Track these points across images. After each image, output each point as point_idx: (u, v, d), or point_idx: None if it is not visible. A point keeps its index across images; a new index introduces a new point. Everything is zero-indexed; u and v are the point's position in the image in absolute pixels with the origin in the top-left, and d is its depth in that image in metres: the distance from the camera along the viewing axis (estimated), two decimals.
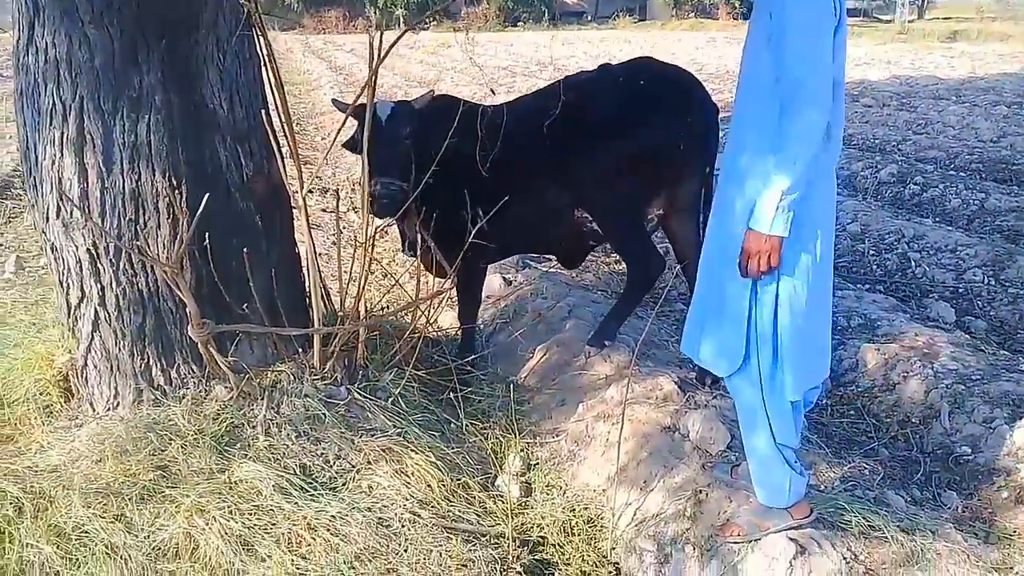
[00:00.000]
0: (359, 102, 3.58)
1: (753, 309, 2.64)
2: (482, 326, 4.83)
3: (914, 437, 3.91)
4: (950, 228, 6.65)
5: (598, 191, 3.97)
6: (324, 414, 3.09)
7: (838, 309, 5.00)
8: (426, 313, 4.08)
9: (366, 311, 3.55)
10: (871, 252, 6.33)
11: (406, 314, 4.00)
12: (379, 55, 3.20)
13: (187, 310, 2.86)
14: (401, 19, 47.94)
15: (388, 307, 4.44)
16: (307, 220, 3.18)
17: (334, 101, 3.95)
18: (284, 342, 3.34)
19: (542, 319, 4.60)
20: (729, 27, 41.04)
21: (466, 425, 3.60)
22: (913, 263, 6.00)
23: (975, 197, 7.45)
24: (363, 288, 3.44)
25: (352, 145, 3.81)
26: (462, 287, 4.28)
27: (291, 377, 3.20)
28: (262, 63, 3.35)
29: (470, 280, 4.29)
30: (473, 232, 3.59)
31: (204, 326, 2.82)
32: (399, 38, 3.24)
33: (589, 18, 52.58)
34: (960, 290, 5.57)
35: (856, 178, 8.65)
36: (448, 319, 4.91)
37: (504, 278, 5.45)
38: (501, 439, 3.58)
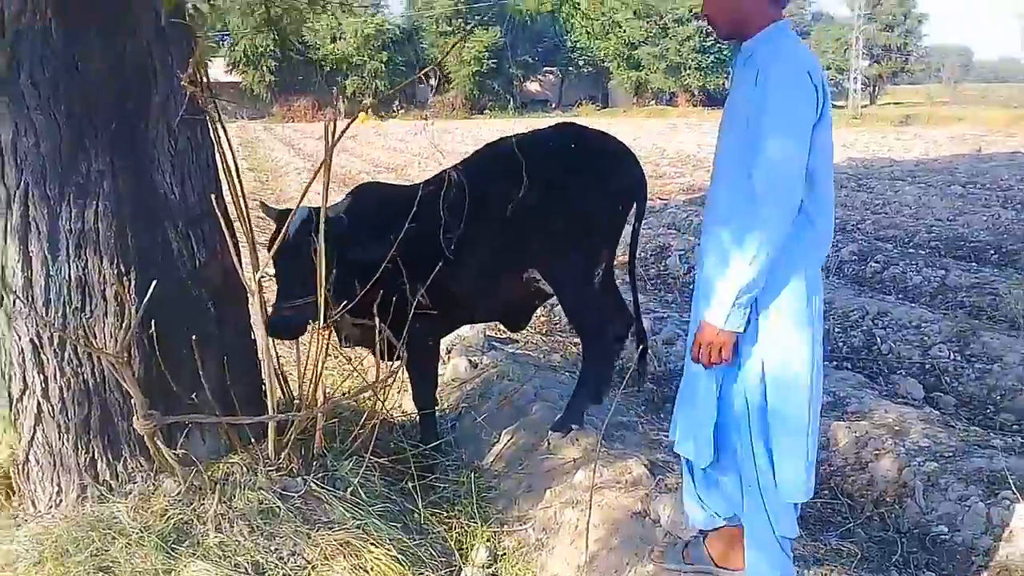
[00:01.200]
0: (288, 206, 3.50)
1: (719, 400, 2.57)
2: (447, 410, 4.72)
3: (889, 517, 3.82)
4: (913, 304, 6.69)
5: (546, 251, 3.89)
6: (279, 507, 2.94)
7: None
8: (384, 396, 3.96)
9: (324, 397, 3.43)
10: (836, 329, 6.33)
11: (366, 398, 3.88)
12: (333, 141, 3.16)
13: (133, 401, 2.73)
14: (369, 108, 48.89)
15: (347, 392, 4.31)
16: (261, 304, 3.08)
17: (262, 205, 3.77)
18: (237, 432, 3.21)
19: (508, 402, 4.50)
20: (689, 113, 42.12)
21: (429, 515, 3.45)
22: (879, 339, 6.00)
23: (935, 274, 7.52)
24: (320, 373, 3.33)
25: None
26: (415, 368, 4.14)
27: (244, 469, 3.05)
28: (215, 147, 3.29)
29: (423, 359, 4.15)
30: (413, 308, 3.55)
31: (150, 418, 2.69)
32: (350, 124, 3.20)
33: (553, 105, 53.75)
34: (927, 366, 5.55)
35: None
36: (410, 402, 4.79)
37: (470, 360, 5.35)
38: (466, 528, 3.43)
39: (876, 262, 8.14)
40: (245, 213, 3.13)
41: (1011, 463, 3.85)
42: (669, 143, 25.12)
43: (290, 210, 3.46)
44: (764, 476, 2.58)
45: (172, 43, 3.14)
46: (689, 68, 46.92)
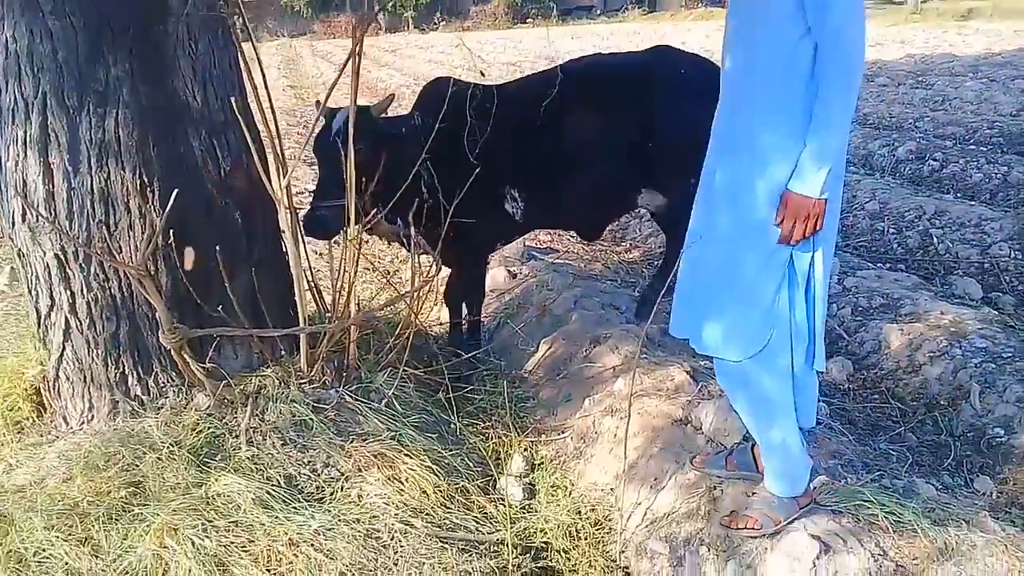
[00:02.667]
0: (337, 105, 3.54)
1: (782, 285, 2.44)
2: (485, 320, 4.65)
3: (943, 420, 3.69)
4: (972, 203, 6.38)
5: (666, 174, 3.96)
6: (311, 419, 2.90)
7: (859, 289, 4.78)
8: (418, 307, 3.89)
9: (357, 308, 3.37)
10: (891, 230, 6.09)
11: (401, 309, 3.82)
12: (357, 42, 3.04)
13: (158, 315, 2.68)
14: (410, 21, 48.06)
15: (382, 303, 4.26)
16: (291, 213, 2.99)
17: (317, 103, 3.72)
18: (270, 345, 3.17)
19: (546, 312, 4.41)
20: None
21: (465, 425, 3.41)
22: (935, 240, 5.75)
23: (997, 171, 7.16)
24: (352, 284, 3.25)
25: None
26: (474, 274, 4.18)
27: (277, 382, 3.01)
28: (238, 50, 3.17)
29: (480, 267, 4.24)
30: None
31: (177, 332, 2.64)
32: (361, 35, 3.04)
33: (599, 12, 52.22)
34: (986, 265, 5.31)
35: (873, 157, 8.39)
36: (446, 314, 4.73)
37: (508, 270, 5.25)
38: (503, 438, 3.38)
39: (934, 160, 7.79)
40: (273, 120, 3.01)
41: None
42: (717, 45, 24.28)
43: (340, 108, 3.48)
44: (801, 357, 2.50)
45: None
46: None
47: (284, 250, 3.44)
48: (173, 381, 3.04)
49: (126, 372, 3.01)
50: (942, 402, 3.78)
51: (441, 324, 4.59)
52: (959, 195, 6.97)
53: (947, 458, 3.44)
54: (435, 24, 48.37)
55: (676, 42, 26.82)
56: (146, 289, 2.59)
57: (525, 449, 3.36)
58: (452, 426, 3.35)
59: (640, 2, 50.95)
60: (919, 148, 8.16)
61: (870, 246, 6.03)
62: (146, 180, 2.89)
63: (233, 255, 3.07)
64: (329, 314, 3.35)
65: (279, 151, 3.07)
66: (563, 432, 3.39)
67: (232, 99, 3.04)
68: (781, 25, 2.30)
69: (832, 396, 4.00)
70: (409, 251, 3.96)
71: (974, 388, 3.69)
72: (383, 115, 3.71)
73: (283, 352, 3.22)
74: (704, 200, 2.58)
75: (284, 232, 3.02)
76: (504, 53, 25.63)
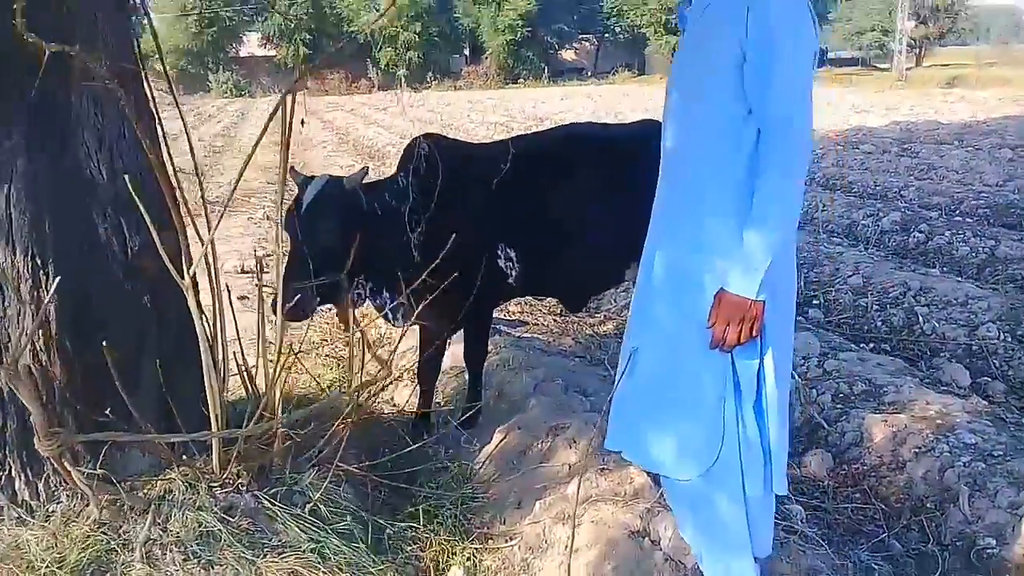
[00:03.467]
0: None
1: (726, 394, 2.17)
2: (440, 403, 4.34)
3: (930, 526, 3.37)
4: (960, 279, 6.15)
5: None
6: (219, 530, 2.58)
7: (840, 373, 4.49)
8: (373, 393, 3.60)
9: (281, 402, 3.05)
10: (875, 307, 5.83)
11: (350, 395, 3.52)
12: (289, 114, 2.79)
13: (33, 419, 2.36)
14: (403, 80, 48.46)
15: (330, 387, 3.96)
16: (197, 301, 2.69)
17: (291, 170, 3.41)
18: (182, 444, 2.85)
19: (502, 397, 4.10)
20: None
21: (404, 530, 3.07)
22: (921, 319, 5.49)
23: (984, 244, 6.95)
24: (278, 374, 2.95)
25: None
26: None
27: (184, 485, 2.69)
28: (154, 119, 2.91)
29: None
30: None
31: (55, 437, 2.33)
32: (285, 95, 2.79)
33: (589, 74, 52.86)
34: (974, 348, 5.05)
35: (857, 227, 8.19)
36: (403, 397, 4.43)
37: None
38: (445, 545, 3.05)
39: (920, 232, 7.59)
40: (170, 191, 2.72)
41: None
42: None
43: (314, 177, 3.33)
44: (755, 476, 2.21)
45: None
46: None
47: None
48: (66, 484, 2.71)
49: (12, 475, 2.68)
50: (928, 505, 3.47)
51: (397, 409, 4.29)
52: (945, 269, 6.75)
53: (935, 572, 3.13)
54: (427, 83, 48.87)
55: (660, 103, 27.01)
56: (17, 389, 2.27)
57: (468, 558, 3.02)
58: (390, 531, 3.01)
59: (630, 65, 51.60)
60: (904, 219, 7.97)
61: (853, 323, 5.76)
62: (39, 262, 2.59)
63: (142, 343, 2.78)
64: (260, 400, 3.03)
65: (182, 227, 2.78)
66: (511, 539, 3.06)
67: (139, 173, 2.75)
68: (722, 103, 2.09)
69: (811, 494, 3.69)
70: (394, 325, 3.77)
71: (963, 491, 3.39)
72: (362, 184, 3.48)
73: (195, 452, 2.89)
74: (643, 292, 2.32)
75: (195, 317, 2.70)
76: (493, 113, 25.68)
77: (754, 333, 2.07)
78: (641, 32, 50.26)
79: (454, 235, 3.38)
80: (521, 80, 49.25)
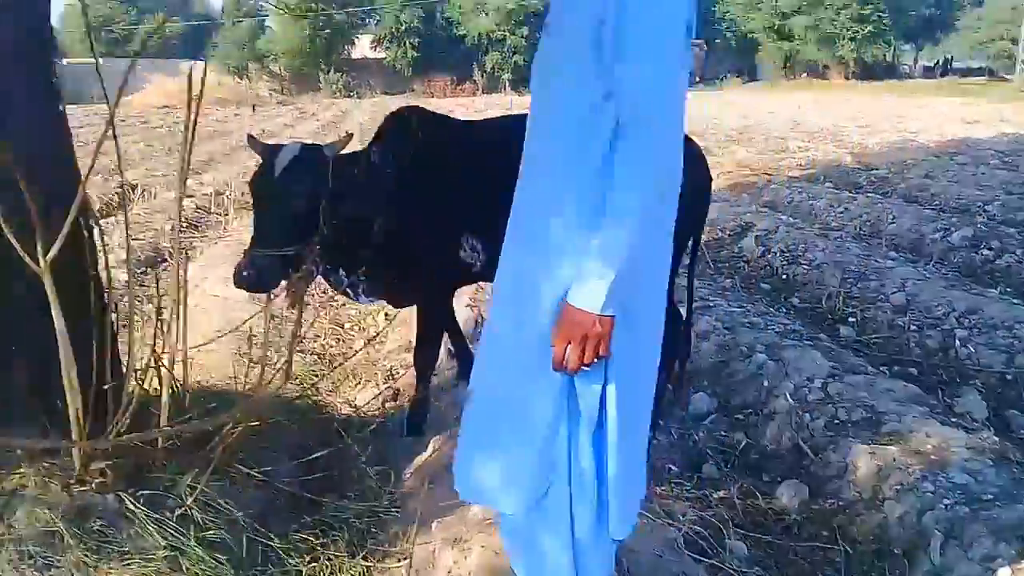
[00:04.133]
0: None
1: (561, 420, 1.88)
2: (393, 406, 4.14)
3: (891, 574, 2.99)
4: (1015, 301, 5.57)
5: None
6: (63, 532, 2.43)
7: (842, 398, 4.08)
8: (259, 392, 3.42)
9: (180, 398, 2.90)
10: (912, 327, 5.33)
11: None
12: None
13: None
14: (507, 83, 48.55)
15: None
16: (52, 286, 2.54)
17: (249, 138, 3.37)
18: (59, 429, 2.72)
19: (457, 404, 3.86)
20: (840, 87, 39.62)
21: (299, 541, 2.88)
22: (959, 342, 4.98)
23: None
24: (170, 368, 2.80)
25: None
26: (429, 323, 3.77)
27: (38, 482, 2.56)
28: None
29: (440, 315, 3.87)
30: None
31: None
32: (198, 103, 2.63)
33: (698, 79, 51.80)
34: (1008, 377, 4.53)
35: (923, 242, 7.59)
36: (361, 392, 4.26)
37: (449, 348, 4.74)
38: (335, 561, 2.84)
39: (989, 249, 6.97)
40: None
41: None
42: (808, 116, 23.47)
43: (281, 145, 3.17)
44: (587, 517, 1.91)
45: None
46: (843, 39, 44.05)
47: (106, 321, 3.01)
48: None
49: None
50: (896, 550, 3.07)
51: (352, 407, 4.11)
52: (1008, 290, 6.15)
53: None
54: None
55: (765, 110, 26.15)
56: None
57: None
58: (276, 544, 2.82)
59: (740, 71, 50.37)
60: (976, 234, 7.34)
61: (885, 344, 5.28)
62: None
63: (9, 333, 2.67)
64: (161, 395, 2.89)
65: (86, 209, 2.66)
66: (401, 560, 2.83)
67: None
68: (578, 79, 1.78)
69: (771, 530, 3.33)
70: (356, 301, 3.65)
71: (935, 538, 2.98)
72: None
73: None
74: (492, 304, 2.06)
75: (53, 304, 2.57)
76: None
77: (601, 353, 1.78)
78: (753, 37, 48.95)
79: (426, 212, 3.28)
80: None
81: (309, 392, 3.88)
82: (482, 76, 50.11)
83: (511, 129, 3.74)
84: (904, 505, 3.22)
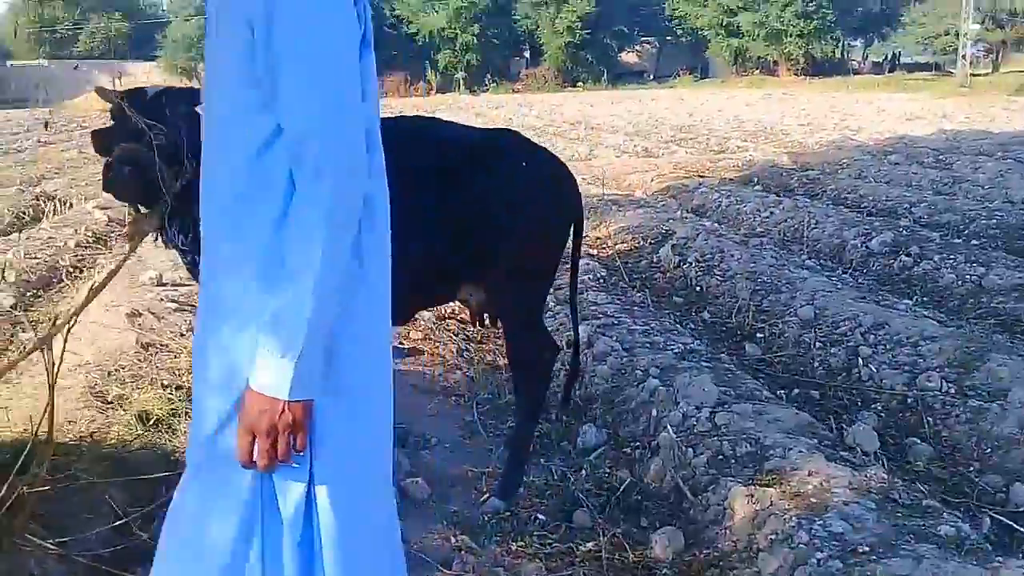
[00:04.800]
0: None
1: (252, 532, 1.55)
2: None
3: None
4: (924, 314, 5.36)
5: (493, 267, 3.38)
6: None
7: (728, 430, 3.82)
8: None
9: None
10: (817, 344, 5.11)
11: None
12: None
13: None
14: (461, 82, 48.21)
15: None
16: None
17: (98, 89, 3.08)
18: None
19: None
20: (788, 84, 39.82)
21: None
22: (861, 361, 4.76)
23: (973, 273, 6.14)
24: None
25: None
26: None
27: None
28: None
29: None
30: None
31: None
32: None
33: (651, 77, 51.82)
34: (909, 400, 4.31)
35: (844, 247, 7.41)
36: None
37: None
38: None
39: (908, 255, 6.79)
40: None
41: (951, 570, 2.70)
42: (753, 115, 23.45)
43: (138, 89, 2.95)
44: None
45: None
46: (791, 35, 44.26)
47: None
48: None
49: None
50: None
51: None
52: (924, 299, 5.98)
53: None
54: (486, 86, 48.47)
55: (713, 107, 26.14)
56: None
57: None
58: None
59: (693, 68, 50.45)
60: (896, 240, 7.18)
61: (789, 363, 5.06)
62: None
63: None
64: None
65: None
66: None
67: None
68: (245, 104, 1.48)
69: None
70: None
71: None
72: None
73: None
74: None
75: None
76: (534, 118, 25.08)
77: (298, 447, 1.47)
78: (703, 34, 49.04)
79: None
80: (580, 83, 48.51)
81: (149, 437, 3.52)
82: (435, 75, 49.72)
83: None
84: (777, 558, 2.96)
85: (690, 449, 3.75)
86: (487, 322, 3.69)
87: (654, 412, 4.17)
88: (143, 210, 2.95)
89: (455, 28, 48.47)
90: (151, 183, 2.80)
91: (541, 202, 3.38)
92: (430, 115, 4.04)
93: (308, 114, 1.42)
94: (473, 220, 3.27)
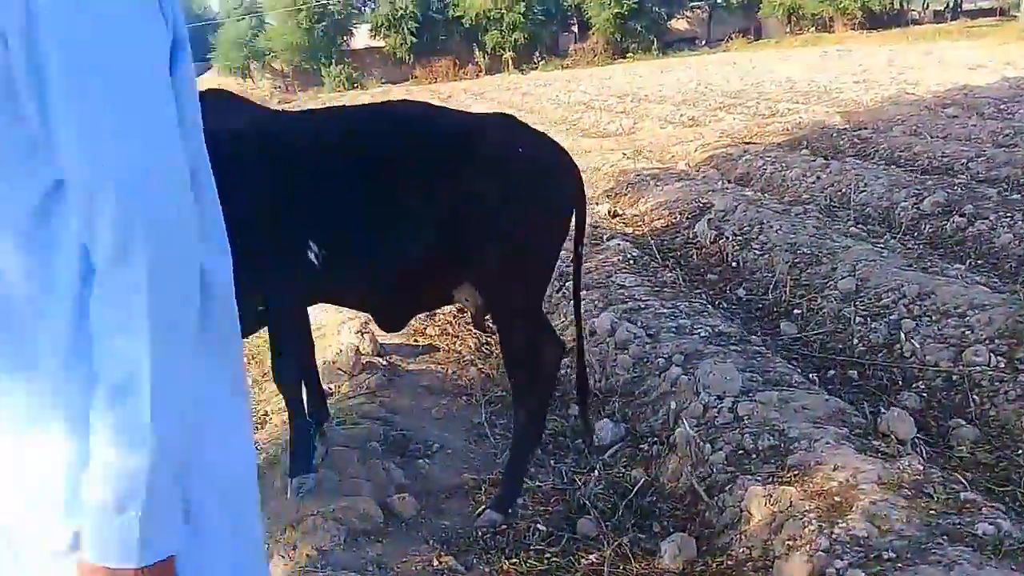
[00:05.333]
0: None
1: None
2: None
3: None
4: (976, 280, 4.97)
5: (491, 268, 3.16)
6: None
7: (750, 420, 3.54)
8: None
9: None
10: (857, 319, 4.76)
11: None
12: None
13: None
14: (510, 62, 47.79)
15: None
16: None
17: None
18: None
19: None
20: (846, 39, 38.46)
21: None
22: (904, 336, 4.40)
23: None
24: None
25: None
26: (277, 339, 3.23)
27: None
28: None
29: (293, 331, 3.29)
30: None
31: None
32: None
33: (703, 43, 50.66)
34: (954, 378, 3.96)
35: (894, 211, 6.97)
36: None
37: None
38: None
39: (961, 215, 6.34)
40: None
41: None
42: (806, 75, 22.61)
43: None
44: None
45: None
46: None
47: None
48: None
49: None
50: None
51: None
52: (977, 263, 5.56)
53: None
54: (534, 64, 47.92)
55: (765, 69, 25.33)
56: None
57: None
58: None
59: (745, 31, 49.14)
60: (949, 199, 6.71)
61: (827, 341, 4.72)
62: None
63: None
64: None
65: None
66: None
67: None
68: (4, 153, 1.06)
69: None
70: None
71: None
72: None
73: None
74: None
75: None
76: (582, 93, 24.60)
77: None
78: None
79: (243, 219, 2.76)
80: (630, 55, 47.66)
81: None
82: (484, 57, 49.39)
83: (339, 124, 3.27)
84: (795, 567, 2.68)
85: (708, 444, 3.48)
86: (492, 325, 3.47)
87: (673, 404, 3.90)
88: None
89: (501, 7, 47.97)
90: None
91: (532, 193, 3.11)
92: (423, 101, 3.72)
93: (101, 159, 1.01)
94: (458, 214, 3.04)
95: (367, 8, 53.92)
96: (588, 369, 4.63)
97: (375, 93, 37.29)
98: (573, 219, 3.32)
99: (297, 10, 49.04)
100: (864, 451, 3.20)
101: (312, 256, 3.00)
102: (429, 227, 3.03)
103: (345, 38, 52.31)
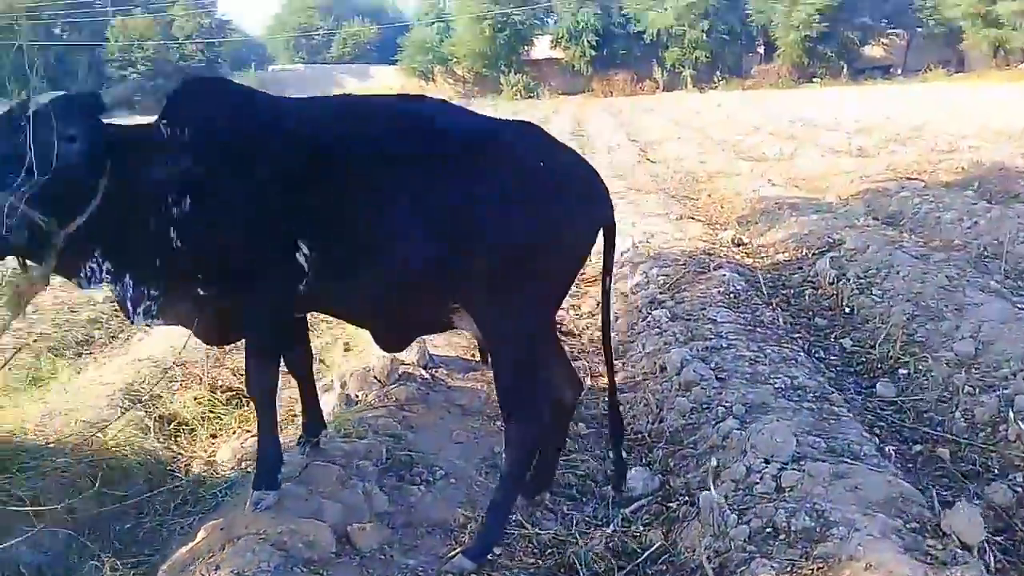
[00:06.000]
0: None
1: None
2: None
3: None
4: None
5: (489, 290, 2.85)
6: None
7: (791, 496, 3.03)
8: None
9: None
10: (966, 389, 4.07)
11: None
12: None
13: None
14: (688, 80, 46.90)
15: None
16: None
17: None
18: None
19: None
20: None
21: None
22: (1012, 414, 3.70)
23: None
24: None
25: None
26: (252, 354, 3.02)
27: None
28: None
29: (268, 338, 3.03)
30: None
31: None
32: None
33: (899, 71, 47.98)
34: None
35: None
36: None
37: (349, 394, 4.04)
38: None
39: None
40: None
41: None
42: (1004, 112, 20.81)
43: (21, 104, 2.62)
44: None
45: None
46: None
47: None
48: None
49: None
50: None
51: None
52: None
53: None
54: (715, 83, 46.80)
55: (956, 103, 23.61)
56: None
57: None
58: None
59: (946, 62, 46.13)
60: None
61: (924, 411, 4.07)
62: None
63: None
64: None
65: None
66: None
67: None
68: None
69: None
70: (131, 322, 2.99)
71: None
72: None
73: None
74: None
75: None
76: (744, 113, 23.65)
77: None
78: (958, 25, 44.63)
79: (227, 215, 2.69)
80: (817, 79, 45.72)
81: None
82: (663, 73, 48.72)
83: (351, 111, 3.02)
84: None
85: (735, 515, 3.01)
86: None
87: (715, 461, 3.43)
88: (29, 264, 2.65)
89: (683, 25, 47.15)
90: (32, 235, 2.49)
91: (537, 211, 2.77)
92: (443, 99, 3.35)
93: None
94: (453, 227, 2.73)
95: (549, 19, 54.31)
96: (645, 407, 4.23)
97: (552, 103, 37.43)
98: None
99: (481, 18, 49.96)
100: (912, 551, 2.65)
101: (300, 258, 2.78)
102: (420, 237, 2.73)
103: (526, 47, 52.85)
